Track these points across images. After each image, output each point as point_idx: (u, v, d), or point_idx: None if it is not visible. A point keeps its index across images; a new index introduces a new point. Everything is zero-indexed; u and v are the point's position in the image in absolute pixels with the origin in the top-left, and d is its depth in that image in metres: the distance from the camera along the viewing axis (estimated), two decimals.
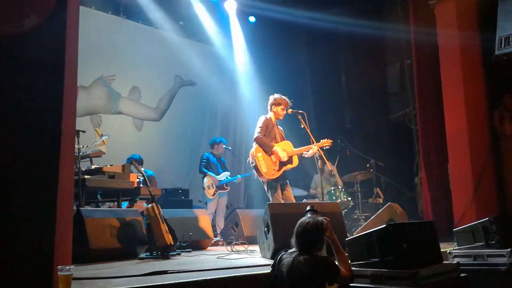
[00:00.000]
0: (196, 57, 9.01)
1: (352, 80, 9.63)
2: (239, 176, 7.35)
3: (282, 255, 2.76)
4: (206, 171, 7.07)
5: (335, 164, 7.63)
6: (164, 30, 8.61)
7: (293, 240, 2.78)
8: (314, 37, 9.35)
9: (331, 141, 5.44)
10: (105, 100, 7.95)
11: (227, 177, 7.13)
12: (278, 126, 5.49)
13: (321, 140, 5.40)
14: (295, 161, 5.32)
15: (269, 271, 2.97)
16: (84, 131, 5.14)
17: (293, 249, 2.74)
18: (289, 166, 5.28)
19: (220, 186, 7.06)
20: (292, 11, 8.35)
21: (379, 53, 9.09)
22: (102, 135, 5.52)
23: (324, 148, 5.39)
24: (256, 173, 5.22)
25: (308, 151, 5.28)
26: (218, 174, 7.11)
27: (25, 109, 2.61)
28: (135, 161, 6.28)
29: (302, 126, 5.31)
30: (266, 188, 5.28)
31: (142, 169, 6.58)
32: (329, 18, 8.22)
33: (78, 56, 3.13)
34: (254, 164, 5.18)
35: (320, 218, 2.80)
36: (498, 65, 5.45)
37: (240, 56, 9.59)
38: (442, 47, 5.84)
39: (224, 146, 7.45)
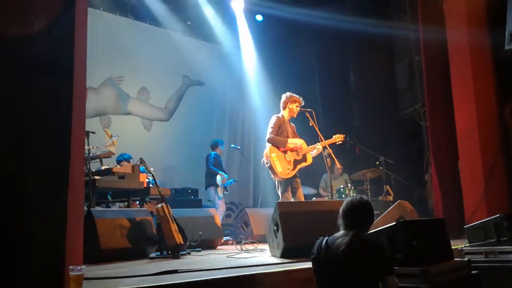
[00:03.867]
0: (204, 57, 9.03)
1: (360, 77, 9.58)
2: (231, 181, 7.48)
3: (327, 239, 2.56)
4: (216, 169, 7.12)
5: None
6: (172, 30, 8.64)
7: (340, 221, 2.60)
8: (322, 35, 9.31)
9: (344, 135, 5.44)
10: (114, 101, 8.00)
11: (232, 179, 7.27)
12: (291, 123, 5.50)
13: (334, 136, 5.41)
14: (309, 159, 5.33)
15: (280, 267, 2.93)
16: (93, 132, 5.18)
17: (341, 232, 2.56)
18: (303, 164, 5.30)
19: (225, 187, 7.12)
20: (299, 9, 8.33)
21: (388, 50, 9.03)
22: (111, 136, 5.55)
23: (337, 143, 5.40)
24: (271, 173, 5.25)
25: (313, 151, 5.29)
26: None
27: (35, 111, 2.64)
28: (127, 161, 6.34)
29: (311, 124, 5.31)
30: (276, 186, 5.29)
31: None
32: (336, 15, 8.19)
33: (87, 57, 3.16)
34: (269, 165, 5.21)
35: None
36: (507, 60, 5.39)
37: (247, 55, 9.59)
38: (451, 44, 5.79)
39: (232, 145, 7.51)
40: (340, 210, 2.63)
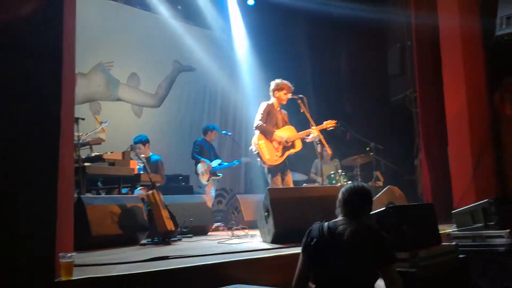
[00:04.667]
0: (195, 42, 8.93)
1: (352, 63, 9.56)
2: (230, 163, 7.35)
3: (328, 225, 2.45)
4: (199, 157, 7.08)
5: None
6: (162, 15, 8.53)
7: (340, 209, 2.52)
8: (313, 20, 9.24)
9: (335, 121, 5.43)
10: (104, 87, 7.92)
11: (218, 164, 7.15)
12: (282, 111, 5.49)
13: (324, 122, 5.40)
14: (298, 146, 5.33)
15: (277, 248, 2.93)
16: (83, 119, 5.13)
17: (342, 219, 2.47)
18: (292, 151, 5.30)
19: (213, 173, 7.07)
20: None
21: (380, 35, 9.00)
22: (101, 122, 5.51)
23: (328, 129, 5.40)
24: (259, 160, 5.24)
25: (308, 135, 5.28)
26: (211, 161, 7.13)
27: (23, 97, 2.60)
28: (142, 143, 6.38)
29: (302, 111, 5.31)
30: (266, 172, 5.30)
31: (150, 153, 6.63)
32: (329, 0, 8.13)
33: (76, 42, 3.11)
34: (256, 152, 5.20)
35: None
36: (499, 46, 5.41)
37: (239, 40, 9.52)
38: (443, 29, 5.79)
39: (224, 131, 7.46)
40: (340, 197, 2.55)
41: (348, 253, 2.36)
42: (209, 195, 7.03)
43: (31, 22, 2.65)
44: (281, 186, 5.21)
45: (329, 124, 5.39)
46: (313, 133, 5.21)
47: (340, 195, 2.57)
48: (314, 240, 2.45)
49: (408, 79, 8.00)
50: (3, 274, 2.33)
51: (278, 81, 5.42)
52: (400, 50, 8.45)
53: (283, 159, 5.24)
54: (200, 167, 7.04)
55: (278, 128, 5.33)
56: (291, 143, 5.28)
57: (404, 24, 7.61)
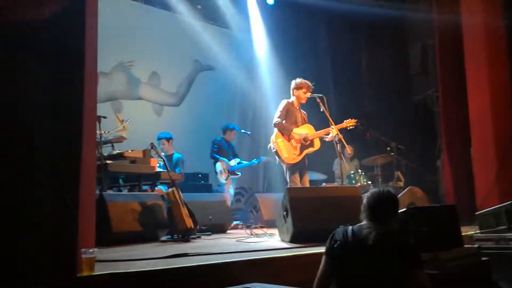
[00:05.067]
0: (215, 41, 8.97)
1: (372, 62, 9.46)
2: (249, 162, 7.37)
3: (352, 229, 2.44)
4: (217, 156, 7.12)
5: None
6: (182, 14, 8.58)
7: (365, 213, 2.48)
8: (333, 18, 9.18)
9: (356, 120, 5.39)
10: (125, 85, 8.02)
11: (237, 163, 7.18)
12: (301, 110, 5.48)
13: (345, 121, 5.37)
14: (317, 144, 5.32)
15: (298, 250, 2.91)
16: (105, 117, 5.21)
17: (367, 223, 2.43)
18: (310, 150, 5.29)
19: (231, 172, 7.10)
20: None
21: (401, 34, 8.90)
22: (122, 121, 5.58)
23: (348, 128, 5.37)
24: (277, 159, 5.25)
25: (328, 134, 5.26)
26: (229, 160, 7.16)
27: (47, 97, 2.66)
28: (166, 139, 6.44)
29: (322, 110, 5.29)
30: (284, 171, 5.30)
31: (173, 151, 6.70)
32: None
33: (98, 42, 3.16)
34: (274, 150, 5.20)
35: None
36: None
37: (258, 39, 9.51)
38: (466, 27, 5.68)
39: (243, 131, 7.48)
40: (365, 201, 2.52)
41: (373, 257, 2.32)
42: (228, 194, 7.06)
43: (54, 21, 2.70)
44: (299, 185, 5.20)
45: (349, 123, 5.36)
46: (332, 132, 5.18)
47: (365, 200, 2.53)
48: (338, 243, 2.42)
49: (430, 78, 7.88)
50: (26, 269, 2.38)
51: (298, 80, 5.42)
52: (422, 49, 8.34)
53: (301, 158, 5.23)
54: (219, 166, 7.08)
55: (297, 126, 5.32)
56: (309, 141, 5.26)
57: (426, 22, 7.49)
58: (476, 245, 3.42)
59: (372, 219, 2.44)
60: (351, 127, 5.39)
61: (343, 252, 2.40)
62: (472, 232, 3.84)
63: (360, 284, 2.34)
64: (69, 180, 2.62)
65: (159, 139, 6.47)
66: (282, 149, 5.17)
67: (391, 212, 2.49)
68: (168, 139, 6.64)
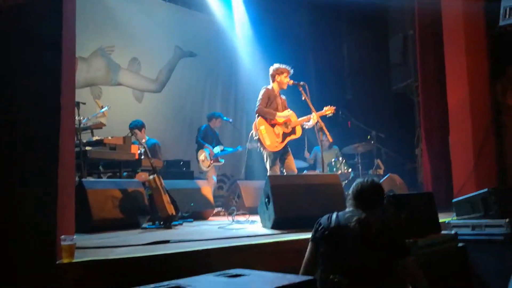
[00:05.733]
0: (196, 27, 8.88)
1: (354, 51, 9.51)
2: (233, 149, 7.39)
3: (337, 215, 2.49)
4: (203, 142, 7.11)
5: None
6: None
7: (350, 202, 2.53)
8: (315, 7, 9.17)
9: (334, 108, 5.41)
10: (104, 71, 7.89)
11: (221, 150, 7.18)
12: (281, 96, 5.47)
13: (324, 108, 5.39)
14: (299, 132, 5.33)
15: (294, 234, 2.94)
16: (84, 103, 5.12)
17: (351, 210, 2.49)
18: (292, 137, 5.30)
19: (214, 159, 7.10)
20: None
21: (382, 24, 8.94)
22: (102, 107, 5.50)
23: (327, 115, 5.38)
24: (259, 146, 5.25)
25: (309, 121, 5.27)
26: (213, 147, 7.16)
27: (23, 82, 2.59)
28: (138, 128, 6.34)
29: (303, 98, 5.29)
30: (265, 158, 5.31)
31: (146, 136, 6.62)
32: None
33: (77, 26, 3.08)
34: (257, 137, 5.20)
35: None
36: (502, 36, 5.37)
37: (240, 26, 9.44)
38: (446, 18, 5.74)
39: (225, 118, 7.47)
40: (350, 192, 2.57)
41: (355, 242, 2.37)
42: (211, 181, 7.05)
43: (30, 6, 2.63)
44: (278, 173, 5.22)
45: (328, 110, 5.37)
46: (313, 119, 5.20)
47: (350, 190, 2.59)
48: (322, 227, 2.49)
49: (409, 68, 7.96)
50: (5, 257, 2.35)
51: (276, 65, 5.39)
52: (402, 39, 8.40)
53: (283, 145, 5.24)
54: (201, 154, 7.07)
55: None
56: (291, 128, 5.27)
57: (406, 12, 7.55)
58: (453, 232, 3.50)
59: (356, 206, 2.50)
60: (330, 114, 5.41)
61: (327, 236, 2.46)
62: (449, 219, 3.92)
63: (343, 268, 2.37)
64: (47, 167, 2.57)
65: (131, 128, 6.28)
66: (265, 136, 5.16)
67: (375, 201, 2.54)
68: (140, 127, 6.47)
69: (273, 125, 5.24)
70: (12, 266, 2.34)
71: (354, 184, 2.60)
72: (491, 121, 5.41)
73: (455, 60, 5.57)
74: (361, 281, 2.33)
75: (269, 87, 5.39)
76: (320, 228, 2.51)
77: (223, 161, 7.26)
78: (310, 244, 2.58)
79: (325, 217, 2.54)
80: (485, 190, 3.66)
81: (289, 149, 5.38)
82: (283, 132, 5.23)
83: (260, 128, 5.19)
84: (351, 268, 2.36)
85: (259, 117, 5.24)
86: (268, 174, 5.12)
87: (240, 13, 9.41)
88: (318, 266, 2.50)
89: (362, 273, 2.34)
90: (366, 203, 2.49)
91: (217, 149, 7.14)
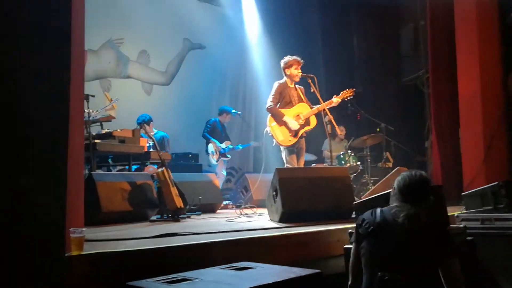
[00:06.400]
0: (205, 19, 8.85)
1: (364, 42, 9.42)
2: (240, 146, 7.47)
3: (380, 209, 2.41)
4: (209, 136, 7.13)
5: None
6: None
7: (395, 196, 2.44)
8: None
9: (353, 90, 5.40)
10: (114, 64, 7.91)
11: (228, 146, 7.20)
12: (297, 86, 5.42)
13: (341, 92, 5.39)
14: (313, 122, 5.31)
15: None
16: (93, 96, 5.14)
17: (397, 205, 2.40)
18: (306, 129, 5.28)
19: (222, 154, 7.13)
20: None
21: (393, 14, 8.84)
22: (111, 100, 5.52)
23: (346, 99, 5.37)
24: (274, 141, 5.29)
25: (329, 106, 5.24)
26: (221, 142, 7.18)
27: (32, 74, 2.60)
28: (145, 123, 6.36)
29: (312, 90, 5.27)
30: (282, 150, 5.34)
31: (154, 130, 6.64)
32: None
33: (86, 19, 3.09)
34: (270, 134, 5.23)
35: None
36: None
37: (250, 19, 9.40)
38: (458, 8, 5.66)
39: (233, 111, 7.48)
40: (395, 185, 2.47)
41: (405, 239, 2.28)
42: (220, 175, 7.08)
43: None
44: (296, 165, 5.23)
45: (346, 93, 5.37)
46: (334, 102, 5.23)
47: (395, 184, 2.49)
48: (367, 222, 2.39)
49: (420, 60, 7.87)
50: (14, 249, 2.37)
51: (286, 58, 5.37)
52: (413, 30, 8.31)
53: (296, 139, 5.23)
54: (211, 147, 7.12)
55: (292, 106, 5.28)
56: (305, 120, 5.24)
57: (417, 2, 7.45)
58: (462, 225, 3.47)
59: (402, 201, 2.40)
60: (349, 97, 5.40)
61: (372, 232, 2.35)
62: (459, 212, 3.89)
63: (389, 264, 2.28)
64: (56, 160, 2.59)
65: (138, 124, 6.29)
66: (277, 132, 5.20)
67: (423, 195, 2.44)
68: (148, 122, 6.48)
69: (281, 123, 5.23)
70: (21, 259, 2.37)
71: (400, 178, 2.48)
72: (503, 113, 5.34)
73: (467, 51, 5.50)
74: (406, 278, 2.23)
75: (282, 81, 5.39)
76: (364, 223, 2.39)
77: (229, 156, 7.33)
78: (353, 245, 2.47)
79: (368, 212, 2.43)
80: (495, 183, 3.63)
81: (304, 146, 5.37)
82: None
83: (271, 125, 5.23)
84: (397, 264, 2.26)
85: (270, 114, 5.28)
86: (284, 166, 5.15)
87: (249, 5, 9.36)
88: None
89: (408, 270, 2.25)
90: (415, 198, 2.39)
91: (223, 145, 7.17)
